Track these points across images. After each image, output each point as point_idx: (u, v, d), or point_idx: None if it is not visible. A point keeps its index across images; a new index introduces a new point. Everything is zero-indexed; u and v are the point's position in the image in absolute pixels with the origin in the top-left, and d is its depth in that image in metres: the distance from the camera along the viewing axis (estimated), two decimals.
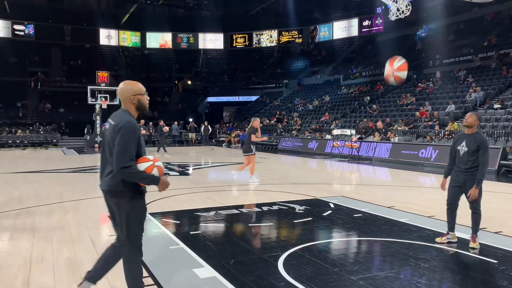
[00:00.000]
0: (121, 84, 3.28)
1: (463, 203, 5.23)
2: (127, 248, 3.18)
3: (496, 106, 17.85)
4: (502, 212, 7.16)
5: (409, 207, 7.41)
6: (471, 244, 4.99)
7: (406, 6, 6.75)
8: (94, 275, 3.36)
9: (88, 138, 26.00)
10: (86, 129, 28.36)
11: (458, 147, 5.14)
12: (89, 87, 26.28)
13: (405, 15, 6.93)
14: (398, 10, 7.12)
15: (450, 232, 5.24)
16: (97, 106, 25.51)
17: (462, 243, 5.16)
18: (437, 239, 5.27)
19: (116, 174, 3.00)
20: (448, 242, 5.17)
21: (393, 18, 7.14)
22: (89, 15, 39.34)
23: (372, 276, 4.09)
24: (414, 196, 8.77)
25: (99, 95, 25.66)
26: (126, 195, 3.08)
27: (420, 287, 3.83)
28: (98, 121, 25.46)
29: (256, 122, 10.80)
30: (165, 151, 19.67)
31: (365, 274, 4.15)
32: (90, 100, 25.79)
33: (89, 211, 7.24)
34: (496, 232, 5.71)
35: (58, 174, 12.56)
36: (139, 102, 3.25)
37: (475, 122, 5.05)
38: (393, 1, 6.79)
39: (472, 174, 4.97)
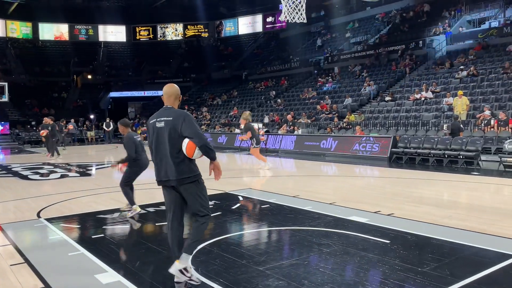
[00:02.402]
0: (170, 87, 3.85)
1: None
2: (208, 216, 3.77)
3: (387, 98, 19.47)
4: (393, 196, 7.84)
5: (313, 195, 7.78)
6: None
7: (300, 16, 7.02)
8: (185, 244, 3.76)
9: None
10: None
11: None
12: None
13: (300, 21, 7.21)
14: (291, 16, 7.41)
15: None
16: None
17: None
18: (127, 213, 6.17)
19: (202, 147, 3.60)
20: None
21: (282, 18, 7.40)
22: None
23: (278, 265, 4.21)
24: (317, 185, 9.23)
25: None
26: (194, 179, 3.70)
27: (323, 272, 4.03)
28: None
29: (245, 137, 12.01)
30: (58, 153, 17.32)
31: (272, 263, 4.27)
32: None
33: None
34: (388, 215, 6.22)
35: None
36: (180, 100, 3.95)
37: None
38: (287, 8, 7.01)
39: None
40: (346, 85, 23.67)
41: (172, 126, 3.62)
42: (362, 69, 24.49)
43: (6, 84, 24.43)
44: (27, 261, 4.49)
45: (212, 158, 3.76)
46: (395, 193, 8.19)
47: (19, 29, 40.04)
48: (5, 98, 24.24)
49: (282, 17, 7.67)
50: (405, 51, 23.18)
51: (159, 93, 37.97)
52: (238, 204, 7.17)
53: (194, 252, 3.96)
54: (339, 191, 8.47)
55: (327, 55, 28.15)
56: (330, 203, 7.08)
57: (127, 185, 6.46)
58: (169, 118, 3.65)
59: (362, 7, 29.56)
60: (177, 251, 3.74)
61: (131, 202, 6.46)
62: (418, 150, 13.04)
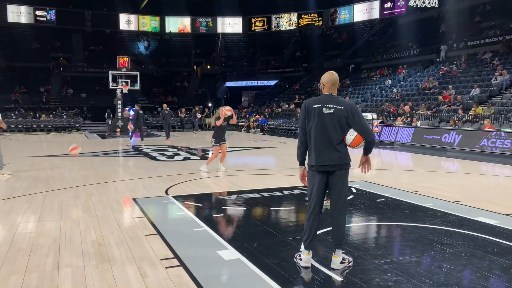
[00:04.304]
0: (331, 74, 3.87)
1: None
2: (346, 205, 3.97)
3: None
4: None
5: (433, 192, 7.31)
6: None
7: (431, 0, 6.40)
8: (336, 241, 3.93)
9: (109, 123, 26.34)
10: (106, 114, 28.72)
11: None
12: (110, 72, 26.53)
13: (431, 5, 6.61)
14: (421, 0, 6.82)
15: None
16: (118, 91, 25.77)
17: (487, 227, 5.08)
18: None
19: (371, 143, 3.81)
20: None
21: (411, 3, 6.86)
22: (109, 1, 39.49)
23: (397, 261, 4.07)
24: (437, 181, 8.64)
25: (119, 80, 25.89)
26: (348, 166, 3.87)
27: (447, 272, 3.80)
28: (119, 106, 25.74)
29: (222, 111, 9.54)
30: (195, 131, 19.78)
31: (390, 258, 4.14)
32: (111, 85, 26.05)
33: (113, 193, 7.37)
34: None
35: (82, 158, 12.82)
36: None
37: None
38: None
39: None
40: (474, 74, 21.59)
41: (343, 115, 3.73)
42: (493, 57, 22.09)
43: (138, 73, 27.08)
44: (158, 232, 4.99)
45: (368, 153, 3.97)
46: None
47: (148, 23, 44.03)
48: (137, 86, 26.86)
49: (411, 2, 7.21)
50: None
51: (271, 82, 39.11)
52: (351, 196, 7.06)
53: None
54: (464, 189, 7.82)
55: (452, 41, 25.91)
56: (453, 202, 6.58)
57: None
58: (340, 107, 3.75)
59: None
60: (312, 236, 3.89)
61: None
62: None
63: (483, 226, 5.23)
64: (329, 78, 3.86)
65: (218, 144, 9.68)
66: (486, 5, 26.81)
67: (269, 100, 35.95)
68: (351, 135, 3.77)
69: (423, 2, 6.46)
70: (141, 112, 19.58)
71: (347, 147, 3.86)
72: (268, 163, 12.41)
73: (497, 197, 7.01)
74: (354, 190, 7.50)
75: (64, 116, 30.70)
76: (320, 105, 3.80)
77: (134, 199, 6.79)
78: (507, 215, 5.76)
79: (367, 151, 3.93)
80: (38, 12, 39.79)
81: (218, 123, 9.51)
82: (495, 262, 4.03)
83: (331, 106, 3.76)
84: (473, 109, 17.25)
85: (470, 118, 16.59)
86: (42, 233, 5.01)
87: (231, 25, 44.94)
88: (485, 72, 21.07)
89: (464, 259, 4.11)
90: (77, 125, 29.47)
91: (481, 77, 20.81)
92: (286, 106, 31.27)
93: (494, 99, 18.43)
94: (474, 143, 13.79)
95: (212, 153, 10.08)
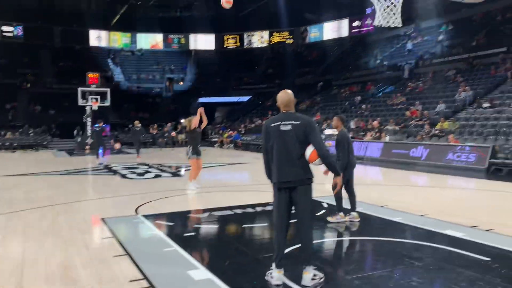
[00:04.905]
0: (286, 93, 4.01)
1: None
2: (312, 220, 4.06)
3: (485, 105, 18.02)
4: (492, 210, 7.22)
5: (402, 206, 7.45)
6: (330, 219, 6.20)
7: (394, 20, 6.69)
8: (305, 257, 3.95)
9: (78, 140, 25.78)
10: (75, 131, 28.10)
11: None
12: (79, 88, 26.07)
13: (395, 25, 6.89)
14: (386, 20, 7.09)
15: (339, 213, 6.20)
16: (88, 108, 25.32)
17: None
18: (328, 218, 6.24)
19: (325, 156, 3.84)
20: (338, 222, 6.11)
21: (376, 23, 7.12)
22: (79, 16, 39.00)
23: (367, 276, 4.10)
24: (406, 195, 8.82)
25: (89, 96, 25.46)
26: (311, 182, 3.91)
27: (416, 286, 3.85)
28: (88, 123, 25.25)
29: (194, 121, 9.34)
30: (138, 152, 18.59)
31: (360, 273, 4.17)
32: (80, 102, 25.57)
33: (81, 213, 7.17)
34: (487, 230, 5.75)
35: (49, 177, 12.44)
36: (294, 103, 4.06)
37: (337, 124, 6.28)
38: (381, 12, 6.75)
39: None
40: (439, 90, 22.34)
41: (301, 130, 3.82)
42: (456, 74, 22.95)
43: (108, 90, 26.71)
44: (127, 253, 4.86)
45: (335, 173, 4.05)
46: (494, 207, 7.55)
47: (120, 39, 43.66)
48: (108, 103, 26.48)
49: (375, 22, 7.45)
50: (506, 54, 21.29)
51: (245, 98, 39.29)
52: (322, 211, 7.10)
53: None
54: (431, 203, 8.01)
55: (418, 59, 26.81)
56: (421, 215, 6.72)
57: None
58: (297, 122, 3.85)
59: (457, 9, 27.69)
60: (282, 254, 3.91)
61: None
62: None
63: (450, 239, 5.35)
64: (281, 99, 3.98)
65: (196, 157, 9.37)
66: (449, 24, 27.95)
67: (242, 116, 36.07)
68: (309, 149, 3.85)
69: (387, 22, 6.72)
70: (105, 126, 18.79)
71: (309, 162, 3.91)
72: (241, 179, 12.40)
73: (463, 210, 7.21)
74: (325, 205, 7.56)
75: (31, 134, 29.81)
76: (277, 123, 3.90)
77: (102, 219, 6.62)
78: (472, 227, 5.92)
79: (331, 170, 4.02)
80: (4, 28, 38.82)
81: (195, 121, 9.22)
82: (462, 274, 4.12)
83: (288, 122, 3.85)
84: (439, 124, 17.80)
85: (437, 133, 17.10)
86: (4, 257, 4.80)
87: (203, 42, 45.15)
88: (449, 88, 21.83)
89: (432, 272, 4.19)
90: (44, 142, 28.64)
91: (446, 93, 21.54)
92: (260, 121, 31.42)
93: (458, 114, 19.08)
94: (441, 157, 14.20)
95: (191, 167, 9.66)
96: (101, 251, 5.00)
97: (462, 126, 17.13)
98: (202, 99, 40.01)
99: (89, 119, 25.29)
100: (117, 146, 18.87)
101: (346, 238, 5.61)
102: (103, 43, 42.73)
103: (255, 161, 16.93)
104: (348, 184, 6.31)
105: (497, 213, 7.01)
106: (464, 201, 8.38)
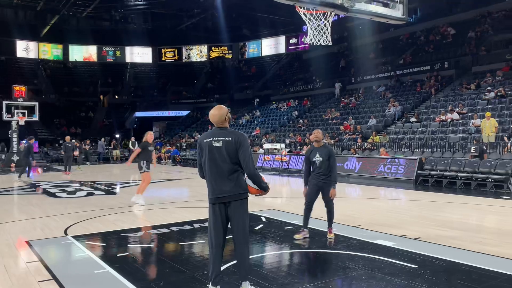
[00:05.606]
0: (219, 109, 4.00)
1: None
2: (248, 236, 3.94)
3: (412, 119, 19.23)
4: (420, 219, 7.66)
5: (337, 218, 7.64)
6: (329, 236, 6.14)
7: (325, 39, 7.00)
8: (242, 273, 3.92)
9: (3, 157, 24.04)
10: (0, 147, 26.21)
11: (314, 159, 6.05)
12: (4, 102, 24.40)
13: (325, 43, 7.19)
14: (316, 39, 7.40)
15: (305, 229, 6.14)
16: (14, 123, 23.74)
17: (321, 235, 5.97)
18: (295, 236, 6.09)
19: (251, 173, 3.83)
20: (304, 238, 6.07)
21: (307, 40, 7.40)
22: (5, 26, 36.75)
23: None
24: (341, 207, 9.09)
25: (15, 111, 23.90)
26: (245, 196, 3.89)
27: None
28: (14, 139, 23.65)
29: (149, 136, 9.83)
30: (69, 169, 17.80)
31: (296, 286, 4.21)
32: (5, 117, 23.93)
33: (5, 236, 6.64)
34: (415, 239, 6.08)
35: None
36: (230, 118, 4.04)
37: (322, 137, 6.16)
38: (312, 31, 7.03)
39: (327, 178, 6.00)
40: (370, 105, 23.52)
41: (232, 146, 3.81)
42: (386, 90, 24.34)
43: (37, 104, 25.26)
44: (54, 278, 4.56)
45: (261, 188, 3.94)
46: (422, 216, 8.01)
47: (50, 51, 41.63)
48: (36, 117, 25.01)
49: (307, 40, 7.70)
50: (431, 72, 22.98)
51: (183, 113, 38.87)
52: (261, 225, 7.14)
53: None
54: (364, 214, 8.33)
55: (351, 76, 28.13)
56: (354, 226, 6.97)
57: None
58: (228, 138, 3.83)
59: (386, 28, 29.52)
60: (218, 270, 3.87)
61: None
62: (445, 173, 12.77)
63: (381, 248, 5.58)
64: (212, 117, 3.97)
65: (149, 170, 9.58)
66: (379, 43, 29.67)
67: (181, 131, 35.59)
68: (249, 182, 3.93)
69: (318, 41, 6.99)
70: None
71: (243, 179, 3.91)
72: (179, 196, 12.18)
73: (393, 220, 7.57)
74: (263, 219, 7.61)
75: None
76: (210, 139, 3.91)
77: (28, 242, 6.17)
78: (401, 236, 6.22)
79: (256, 185, 3.92)
80: None
81: (149, 135, 9.76)
82: (392, 282, 4.30)
83: (220, 138, 3.86)
84: (371, 137, 18.70)
85: (369, 146, 17.93)
86: None
87: (140, 54, 44.25)
88: (380, 104, 23.07)
89: (364, 282, 4.33)
90: None
91: (377, 108, 22.73)
92: (199, 136, 31.17)
93: (388, 128, 20.18)
94: (373, 170, 14.88)
95: (142, 181, 9.82)
96: (25, 276, 4.64)
97: (392, 140, 18.11)
98: (138, 114, 39.03)
99: (15, 135, 23.68)
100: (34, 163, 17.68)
101: (284, 252, 5.67)
102: (32, 55, 40.54)
103: (194, 177, 16.72)
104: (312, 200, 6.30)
105: (424, 222, 7.44)
106: (394, 211, 8.81)
